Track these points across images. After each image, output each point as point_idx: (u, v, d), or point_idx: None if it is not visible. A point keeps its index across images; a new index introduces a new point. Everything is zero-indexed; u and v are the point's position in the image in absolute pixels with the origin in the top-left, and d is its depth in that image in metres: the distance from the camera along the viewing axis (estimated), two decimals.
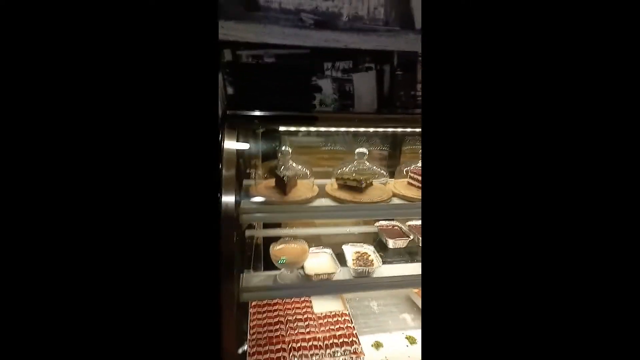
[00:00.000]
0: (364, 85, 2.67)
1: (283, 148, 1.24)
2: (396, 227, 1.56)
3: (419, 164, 1.41)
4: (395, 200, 1.25)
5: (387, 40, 2.64)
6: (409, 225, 1.56)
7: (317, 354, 1.16)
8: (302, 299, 1.41)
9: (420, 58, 2.81)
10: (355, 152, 1.32)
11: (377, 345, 1.22)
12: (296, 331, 1.24)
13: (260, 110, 1.43)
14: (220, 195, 0.94)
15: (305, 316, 1.32)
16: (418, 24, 2.69)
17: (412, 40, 2.78)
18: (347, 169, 1.32)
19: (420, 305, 1.45)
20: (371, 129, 1.56)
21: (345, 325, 1.29)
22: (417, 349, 1.22)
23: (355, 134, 1.68)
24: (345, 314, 1.35)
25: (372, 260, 1.25)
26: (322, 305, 1.41)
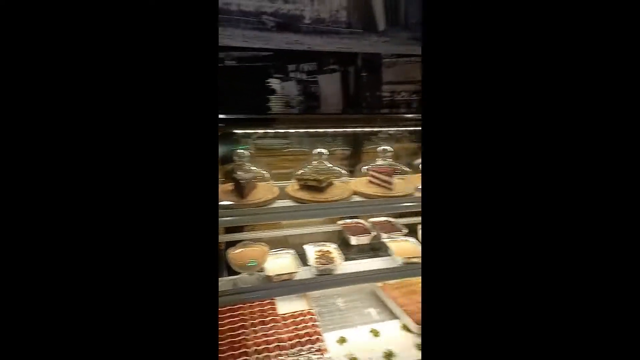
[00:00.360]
0: (330, 86, 2.70)
1: (239, 151, 1.23)
2: (359, 224, 1.59)
3: (378, 162, 1.45)
4: (356, 198, 1.28)
5: (351, 42, 2.69)
6: (372, 222, 1.60)
7: (281, 355, 1.16)
8: (267, 301, 1.41)
9: (383, 60, 2.88)
10: (313, 152, 1.34)
11: (342, 340, 1.24)
12: (260, 334, 1.24)
13: (222, 113, 1.42)
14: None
15: (269, 318, 1.32)
16: (381, 26, 2.77)
17: (375, 43, 2.85)
18: (307, 170, 1.34)
19: (384, 299, 1.49)
20: (331, 130, 1.57)
21: (310, 324, 1.30)
22: (380, 340, 1.26)
23: (318, 134, 1.69)
24: (310, 313, 1.36)
25: (334, 258, 1.28)
26: (287, 306, 1.41)
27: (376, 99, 3.03)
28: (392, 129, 1.65)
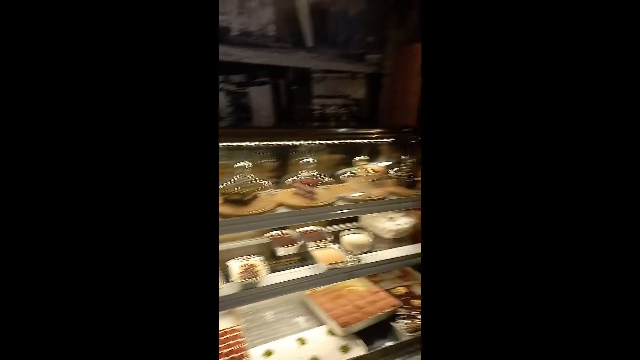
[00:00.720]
0: (260, 99, 2.73)
1: None
2: (286, 235, 1.62)
3: (302, 174, 1.50)
4: (281, 210, 1.31)
5: (280, 57, 2.76)
6: (299, 232, 1.65)
7: None
8: None
9: (313, 75, 3.00)
10: (236, 165, 1.34)
11: (268, 353, 1.25)
12: None
13: None
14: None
15: None
16: (309, 43, 2.89)
17: (304, 58, 2.97)
18: (229, 184, 1.33)
19: (311, 306, 1.53)
20: (263, 143, 1.58)
21: (235, 342, 1.28)
22: (307, 348, 1.29)
23: (244, 147, 1.68)
24: (235, 330, 1.34)
25: (259, 271, 1.28)
26: None
27: (306, 112, 3.14)
28: (317, 142, 1.72)
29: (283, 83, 2.99)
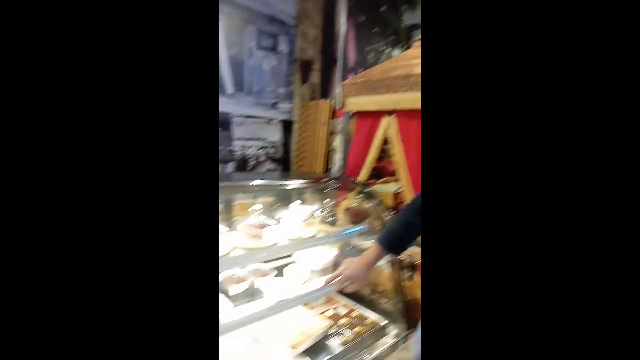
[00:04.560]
0: None
1: None
2: (235, 275, 1.79)
3: (251, 219, 1.74)
4: (236, 253, 1.51)
5: None
6: (249, 271, 1.84)
7: None
8: None
9: (233, 118, 3.26)
10: None
11: None
12: None
13: None
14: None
15: None
16: (229, 90, 3.17)
17: (225, 103, 3.23)
18: None
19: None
20: None
21: None
22: None
23: None
24: None
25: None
26: None
27: (228, 153, 3.35)
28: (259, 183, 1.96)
29: None
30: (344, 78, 3.40)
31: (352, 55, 3.76)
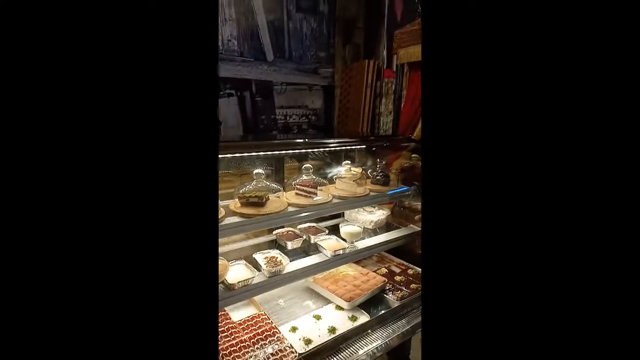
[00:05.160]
0: (228, 110, 2.90)
1: None
2: (290, 232, 1.85)
3: (303, 177, 1.75)
4: (291, 209, 1.54)
5: (244, 70, 2.97)
6: (300, 228, 1.89)
7: (247, 352, 1.30)
8: (220, 313, 1.49)
9: (274, 86, 3.24)
10: (254, 172, 1.54)
11: (294, 329, 1.46)
12: (222, 341, 1.33)
13: None
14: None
15: (226, 327, 1.43)
16: (269, 57, 3.13)
17: (265, 71, 3.22)
18: (246, 189, 1.52)
19: (317, 290, 1.78)
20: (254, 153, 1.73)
21: (265, 323, 1.47)
22: (323, 321, 1.54)
23: (246, 157, 1.83)
24: (262, 314, 1.53)
25: (281, 261, 1.50)
26: (239, 314, 1.54)
27: (271, 121, 3.37)
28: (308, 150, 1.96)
29: (249, 95, 3.19)
30: (389, 36, 3.15)
31: (399, 9, 3.50)
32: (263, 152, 1.63)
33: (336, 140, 1.97)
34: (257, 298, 1.66)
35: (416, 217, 2.15)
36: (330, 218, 2.16)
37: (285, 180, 1.91)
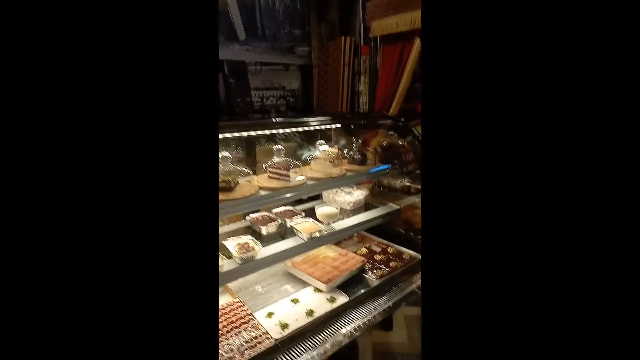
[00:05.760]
0: None
1: None
2: (266, 216, 1.79)
3: (275, 159, 1.68)
4: (262, 192, 1.48)
5: None
6: (275, 212, 1.83)
7: (221, 341, 1.26)
8: None
9: (248, 67, 3.09)
10: (220, 156, 1.46)
11: (270, 314, 1.43)
12: None
13: None
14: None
15: None
16: (241, 36, 2.98)
17: (238, 51, 3.06)
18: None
19: (295, 273, 1.75)
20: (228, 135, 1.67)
21: (239, 310, 1.43)
22: (300, 305, 1.51)
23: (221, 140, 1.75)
24: (237, 302, 1.49)
25: (253, 247, 1.44)
26: None
27: (247, 104, 3.24)
28: (280, 131, 1.88)
29: (221, 76, 3.04)
30: (365, 10, 3.03)
31: None
32: (230, 133, 1.54)
33: (309, 119, 1.89)
34: (231, 285, 1.61)
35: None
36: (308, 200, 2.11)
37: (258, 164, 1.84)
